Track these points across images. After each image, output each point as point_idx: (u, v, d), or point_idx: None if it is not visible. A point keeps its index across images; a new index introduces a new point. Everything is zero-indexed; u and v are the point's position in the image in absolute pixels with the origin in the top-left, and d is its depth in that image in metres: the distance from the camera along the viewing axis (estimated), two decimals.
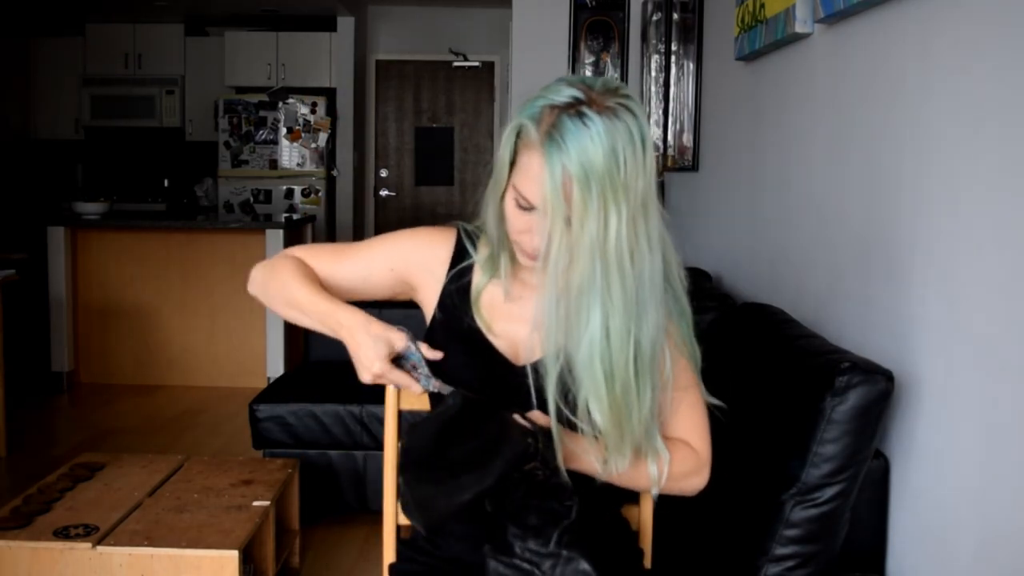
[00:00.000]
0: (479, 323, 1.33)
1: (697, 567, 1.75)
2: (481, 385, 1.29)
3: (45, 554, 2.18)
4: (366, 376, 1.21)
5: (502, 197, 1.22)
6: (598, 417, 1.18)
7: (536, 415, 1.22)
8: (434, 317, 1.36)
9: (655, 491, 1.30)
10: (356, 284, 1.38)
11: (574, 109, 1.13)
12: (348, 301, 1.31)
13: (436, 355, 1.25)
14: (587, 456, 1.23)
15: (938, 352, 1.51)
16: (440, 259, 1.37)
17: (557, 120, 1.12)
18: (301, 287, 1.31)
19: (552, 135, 1.12)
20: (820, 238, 2.13)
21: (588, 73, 4.60)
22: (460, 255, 1.36)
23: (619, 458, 1.22)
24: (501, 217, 1.24)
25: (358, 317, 1.24)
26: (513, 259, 1.29)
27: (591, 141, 1.10)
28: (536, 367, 1.25)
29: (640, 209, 1.14)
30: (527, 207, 1.18)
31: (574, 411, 1.19)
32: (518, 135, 1.18)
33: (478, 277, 1.34)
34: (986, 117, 1.38)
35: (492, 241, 1.29)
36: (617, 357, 1.16)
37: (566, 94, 1.14)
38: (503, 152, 1.20)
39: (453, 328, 1.34)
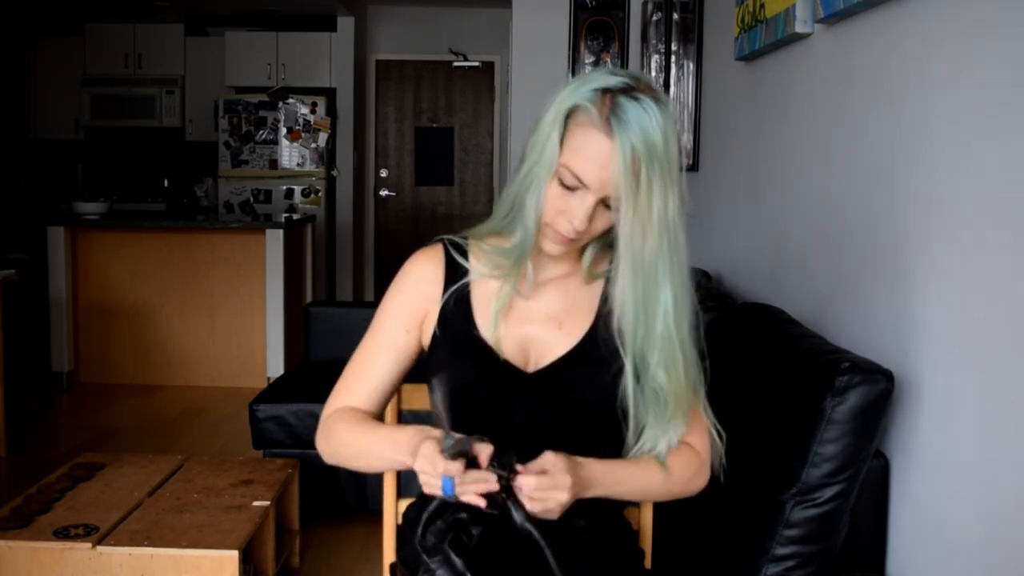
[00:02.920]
0: (483, 333, 1.31)
1: (697, 567, 1.75)
2: (489, 395, 1.28)
3: (45, 554, 2.18)
4: (434, 482, 1.15)
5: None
6: (672, 382, 1.24)
7: (545, 462, 1.19)
8: (434, 337, 1.34)
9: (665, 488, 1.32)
10: (394, 371, 1.37)
11: (629, 93, 1.17)
12: (403, 380, 1.38)
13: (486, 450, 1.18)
14: (609, 477, 1.25)
15: (938, 352, 1.51)
16: (434, 283, 1.35)
17: (616, 101, 1.17)
18: (356, 439, 1.30)
19: (617, 114, 1.16)
20: (820, 238, 2.13)
21: None
22: (452, 270, 1.35)
23: (679, 425, 1.27)
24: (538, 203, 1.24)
25: (406, 437, 1.23)
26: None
27: (651, 122, 1.16)
28: (561, 361, 1.28)
29: (683, 191, 1.22)
30: (574, 186, 1.19)
31: (643, 385, 1.25)
32: (567, 116, 1.20)
33: (477, 285, 1.34)
34: (986, 117, 1.38)
35: (527, 231, 1.26)
36: (681, 326, 1.24)
37: (617, 80, 1.19)
38: (550, 133, 1.21)
39: (457, 343, 1.32)
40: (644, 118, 1.16)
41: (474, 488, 1.12)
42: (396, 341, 1.35)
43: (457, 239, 1.37)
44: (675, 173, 1.19)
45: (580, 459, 1.22)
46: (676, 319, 1.23)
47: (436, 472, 1.13)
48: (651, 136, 1.15)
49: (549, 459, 1.18)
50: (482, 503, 1.12)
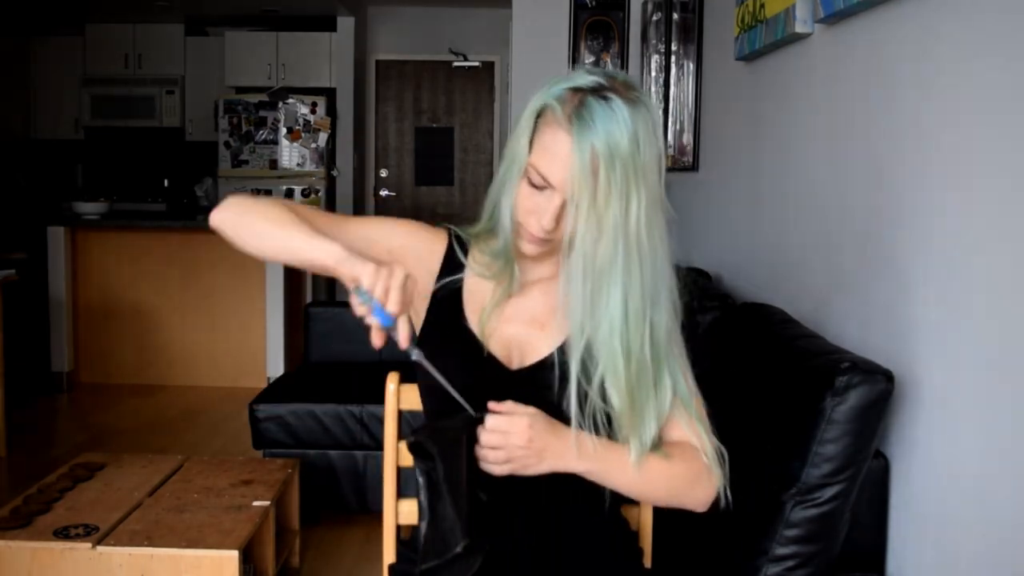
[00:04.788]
0: (471, 327, 1.31)
1: (697, 567, 1.75)
2: (475, 386, 1.27)
3: (45, 554, 2.18)
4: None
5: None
6: (614, 395, 1.20)
7: (509, 405, 1.18)
8: (428, 317, 1.34)
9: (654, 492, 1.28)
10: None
11: (599, 93, 1.16)
12: None
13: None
14: (584, 450, 1.20)
15: (938, 352, 1.51)
16: (435, 255, 1.35)
17: (584, 101, 1.15)
18: (290, 220, 1.19)
19: (580, 113, 1.14)
20: (820, 238, 2.13)
21: None
22: (451, 258, 1.35)
23: (636, 443, 1.22)
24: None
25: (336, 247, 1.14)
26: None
27: (616, 124, 1.13)
28: (543, 362, 1.26)
29: (655, 200, 1.17)
30: (541, 185, 1.19)
31: (589, 392, 1.21)
32: (539, 116, 1.19)
33: (470, 281, 1.34)
34: (986, 117, 1.38)
35: (504, 232, 1.26)
36: (633, 336, 1.19)
37: (590, 80, 1.18)
38: (522, 132, 1.21)
39: (447, 331, 1.32)
40: (609, 118, 1.13)
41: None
42: (372, 243, 1.29)
43: (461, 233, 1.37)
44: (645, 176, 1.14)
45: (561, 427, 1.20)
46: (625, 328, 1.18)
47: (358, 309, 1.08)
48: (614, 137, 1.13)
49: (510, 404, 1.17)
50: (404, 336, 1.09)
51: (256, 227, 1.21)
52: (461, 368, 1.28)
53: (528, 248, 1.25)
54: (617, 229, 1.15)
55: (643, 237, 1.16)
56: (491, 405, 1.17)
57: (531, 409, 1.18)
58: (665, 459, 1.25)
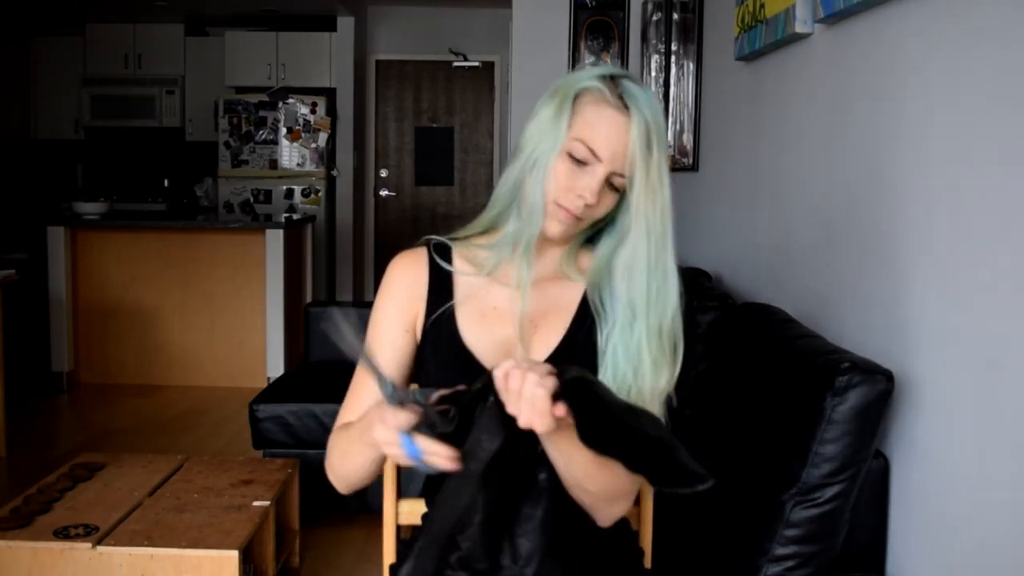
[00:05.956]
0: (464, 336, 1.30)
1: (697, 567, 1.75)
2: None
3: (45, 554, 2.18)
4: (396, 448, 1.08)
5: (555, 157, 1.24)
6: (652, 347, 1.23)
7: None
8: (424, 335, 1.33)
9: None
10: (399, 375, 1.33)
11: (631, 80, 1.25)
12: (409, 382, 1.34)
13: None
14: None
15: (938, 352, 1.51)
16: (418, 283, 1.35)
17: (623, 84, 1.24)
18: (342, 444, 1.27)
19: (630, 92, 1.23)
20: (820, 238, 2.13)
21: None
22: (436, 270, 1.35)
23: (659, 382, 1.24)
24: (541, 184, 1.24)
25: (368, 415, 1.17)
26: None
27: (654, 104, 1.24)
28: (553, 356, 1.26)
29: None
30: (585, 160, 1.22)
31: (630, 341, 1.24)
32: (576, 98, 1.24)
33: (459, 284, 1.34)
34: (986, 117, 1.38)
35: (534, 214, 1.25)
36: (673, 300, 1.24)
37: (616, 70, 1.27)
38: (558, 116, 1.24)
39: (440, 346, 1.32)
40: (651, 99, 1.24)
41: (440, 452, 1.04)
42: (395, 343, 1.34)
43: (442, 240, 1.37)
44: (666, 156, 1.25)
45: None
46: (673, 289, 1.25)
47: (391, 426, 1.06)
48: (658, 116, 1.23)
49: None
50: (452, 465, 1.04)
51: (343, 471, 1.29)
52: (461, 379, 1.25)
53: (555, 228, 1.26)
54: (668, 197, 1.23)
55: (670, 210, 1.24)
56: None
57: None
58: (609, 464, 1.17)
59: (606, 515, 1.26)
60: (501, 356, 1.27)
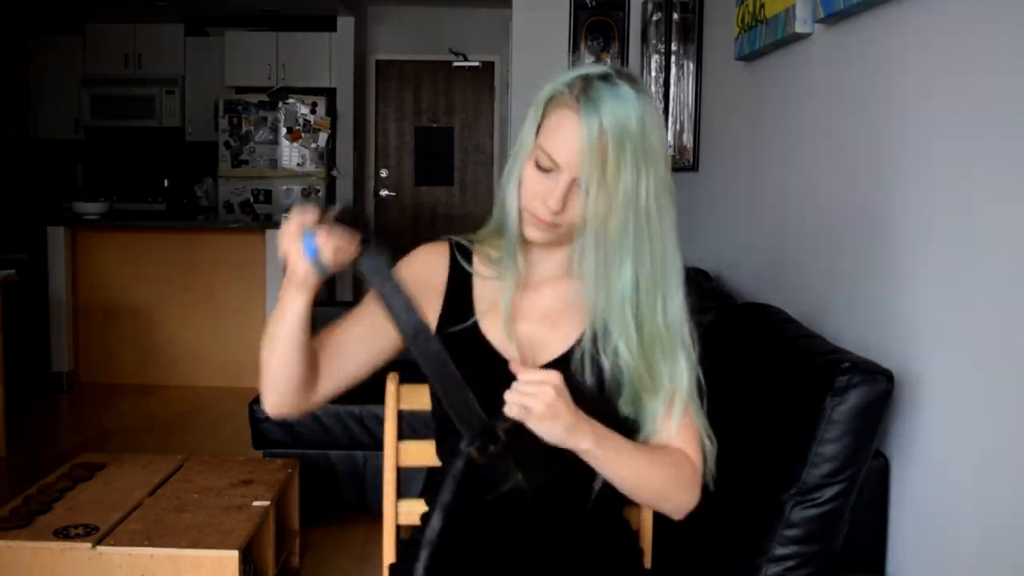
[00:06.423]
0: (485, 333, 1.31)
1: (697, 567, 1.75)
2: (489, 393, 1.26)
3: (45, 554, 2.18)
4: (298, 255, 1.15)
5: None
6: (627, 359, 1.22)
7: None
8: (443, 333, 1.32)
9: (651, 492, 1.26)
10: (370, 335, 1.30)
11: (606, 79, 1.20)
12: (376, 362, 1.32)
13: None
14: (604, 432, 1.19)
15: (938, 352, 1.51)
16: (438, 272, 1.35)
17: (591, 83, 1.19)
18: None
19: (588, 94, 1.18)
20: (820, 238, 2.13)
21: None
22: (456, 268, 1.35)
23: (654, 401, 1.24)
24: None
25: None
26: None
27: (623, 105, 1.17)
28: (557, 360, 1.26)
29: (664, 185, 1.20)
30: (549, 167, 1.20)
31: (607, 356, 1.24)
32: (547, 103, 1.22)
33: (479, 287, 1.34)
34: (986, 116, 1.38)
35: (511, 221, 1.27)
36: (645, 306, 1.22)
37: (597, 68, 1.22)
38: (530, 120, 1.23)
39: (462, 343, 1.30)
40: (616, 99, 1.17)
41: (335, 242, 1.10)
42: (376, 313, 1.27)
43: (462, 241, 1.37)
44: (653, 159, 1.18)
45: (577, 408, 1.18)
46: (635, 296, 1.21)
47: (291, 232, 1.12)
48: (621, 116, 1.16)
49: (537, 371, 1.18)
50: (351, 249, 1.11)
51: (265, 361, 1.24)
52: (483, 375, 1.24)
53: (534, 234, 1.25)
54: (628, 204, 1.18)
55: (653, 216, 1.19)
56: (512, 367, 1.16)
57: (554, 374, 1.15)
58: (658, 458, 1.25)
59: (673, 508, 1.29)
60: (523, 350, 1.29)
